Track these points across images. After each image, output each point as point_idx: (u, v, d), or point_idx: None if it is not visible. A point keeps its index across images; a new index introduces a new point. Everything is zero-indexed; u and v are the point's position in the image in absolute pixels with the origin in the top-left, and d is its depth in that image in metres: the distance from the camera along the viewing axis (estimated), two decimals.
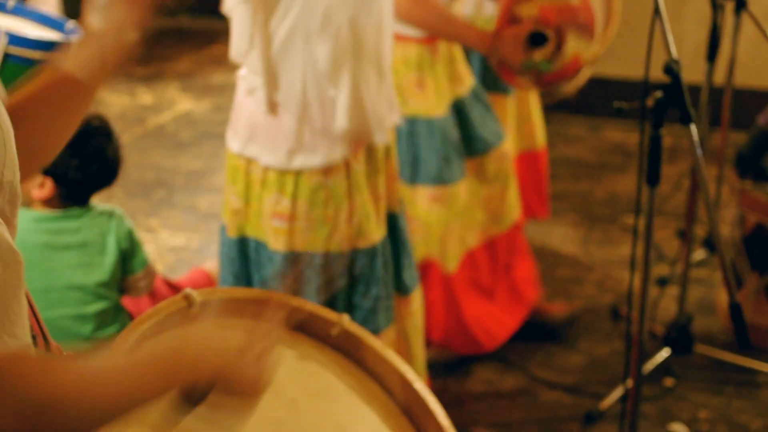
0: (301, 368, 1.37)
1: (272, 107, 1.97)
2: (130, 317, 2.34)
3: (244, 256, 2.09)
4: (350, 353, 1.42)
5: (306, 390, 1.35)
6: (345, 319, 1.41)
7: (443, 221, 2.78)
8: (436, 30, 2.59)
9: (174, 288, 2.60)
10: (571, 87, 3.95)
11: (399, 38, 2.68)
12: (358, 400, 1.37)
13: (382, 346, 1.41)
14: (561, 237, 3.81)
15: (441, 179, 2.77)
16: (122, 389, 0.93)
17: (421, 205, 2.77)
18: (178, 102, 5.24)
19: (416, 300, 2.27)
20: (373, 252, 2.08)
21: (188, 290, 1.29)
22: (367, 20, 1.97)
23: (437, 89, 2.73)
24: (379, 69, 2.04)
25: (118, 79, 5.51)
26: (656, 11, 1.92)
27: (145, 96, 5.31)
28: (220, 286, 2.17)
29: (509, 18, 2.55)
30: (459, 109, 2.82)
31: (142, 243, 2.36)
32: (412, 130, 2.70)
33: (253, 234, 2.06)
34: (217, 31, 6.06)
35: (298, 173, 1.98)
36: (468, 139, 2.87)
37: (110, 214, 2.27)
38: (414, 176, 2.76)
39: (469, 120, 2.84)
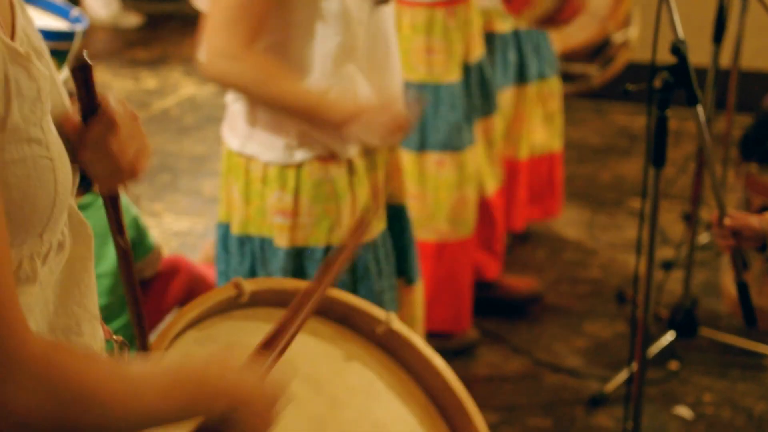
0: (344, 365, 1.38)
1: (254, 119, 1.96)
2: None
3: (246, 253, 2.06)
4: (394, 352, 1.42)
5: (347, 387, 1.35)
6: (392, 318, 1.41)
7: (453, 186, 2.79)
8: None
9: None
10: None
11: (407, 3, 2.66)
12: (397, 399, 1.38)
13: (426, 348, 1.42)
14: (566, 221, 3.80)
15: (450, 146, 2.77)
16: (150, 399, 0.93)
17: (429, 171, 2.77)
18: (182, 86, 5.23)
19: (418, 291, 2.26)
20: (374, 245, 2.07)
21: (238, 279, 1.29)
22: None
23: (448, 54, 2.71)
24: (383, 70, 2.03)
25: (122, 64, 5.51)
26: None
27: (149, 80, 5.30)
28: (217, 278, 2.14)
29: None
30: (475, 69, 2.83)
31: (147, 228, 2.35)
32: (420, 96, 2.71)
33: (257, 232, 2.02)
34: None
35: (299, 167, 1.96)
36: (486, 97, 2.89)
37: None
38: (422, 143, 2.76)
39: (485, 78, 2.85)
